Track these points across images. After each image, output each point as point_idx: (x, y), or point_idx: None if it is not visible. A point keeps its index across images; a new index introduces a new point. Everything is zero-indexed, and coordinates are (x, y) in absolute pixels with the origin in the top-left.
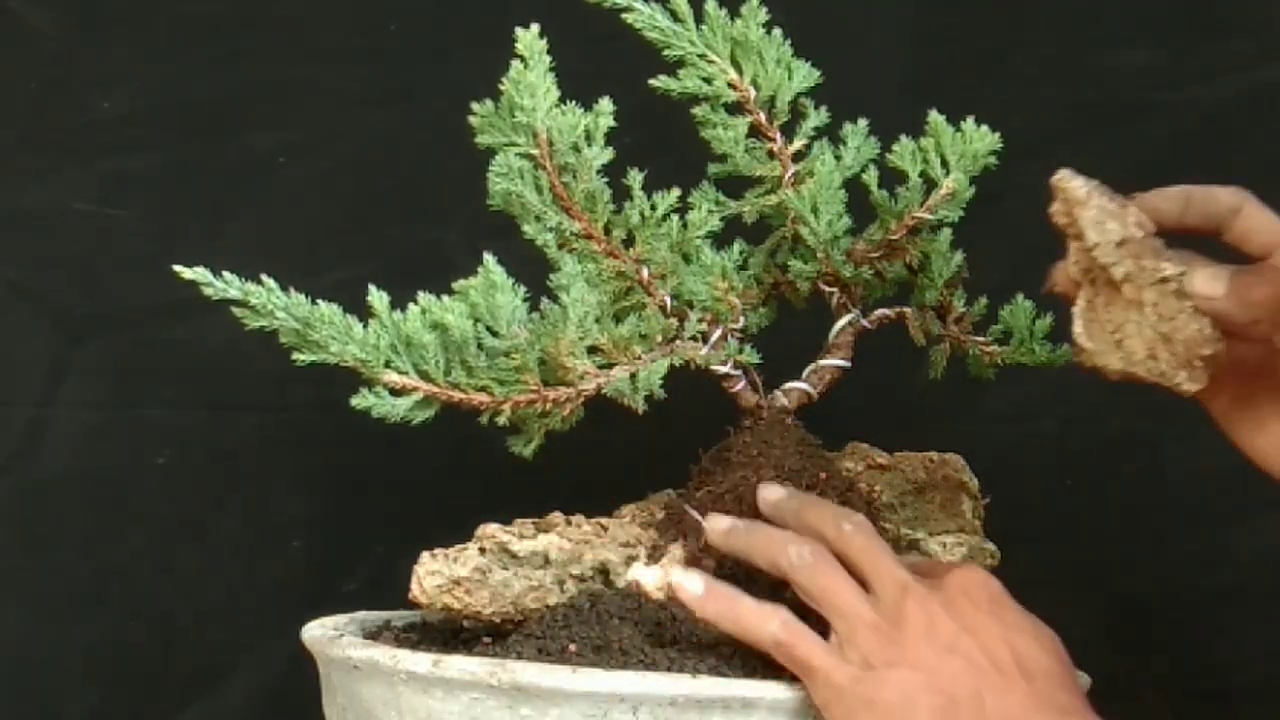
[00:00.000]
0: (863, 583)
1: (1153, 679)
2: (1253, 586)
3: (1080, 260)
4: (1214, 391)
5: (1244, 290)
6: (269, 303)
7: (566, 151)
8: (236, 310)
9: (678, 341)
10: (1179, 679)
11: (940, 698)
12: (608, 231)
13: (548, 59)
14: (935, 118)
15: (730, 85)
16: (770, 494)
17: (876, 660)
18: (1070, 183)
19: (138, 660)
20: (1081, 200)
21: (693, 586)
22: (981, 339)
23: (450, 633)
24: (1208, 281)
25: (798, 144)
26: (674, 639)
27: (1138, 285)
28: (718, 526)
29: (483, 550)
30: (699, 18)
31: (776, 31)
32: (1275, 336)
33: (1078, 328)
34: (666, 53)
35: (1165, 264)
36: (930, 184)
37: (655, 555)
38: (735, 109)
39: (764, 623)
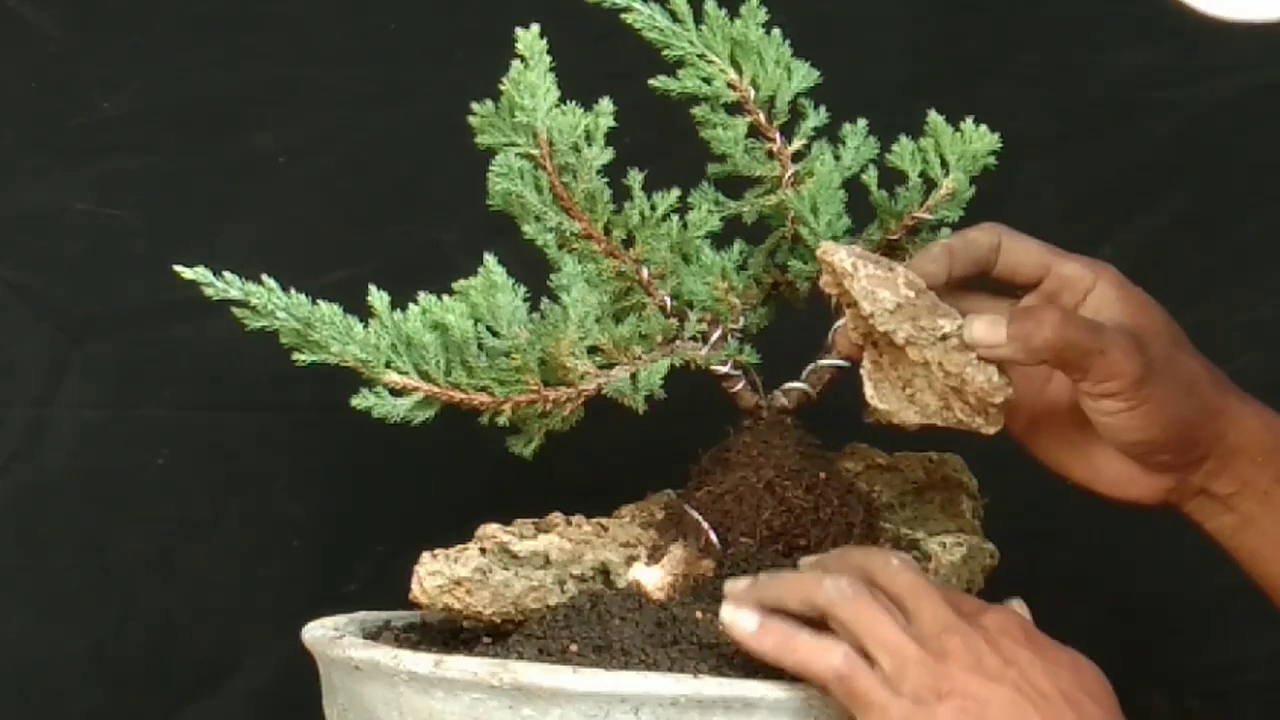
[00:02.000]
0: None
1: (1153, 679)
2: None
3: (859, 326)
4: (1030, 429)
5: (1024, 336)
6: (269, 303)
7: (566, 151)
8: (237, 310)
9: (678, 341)
10: (1180, 679)
11: None
12: (608, 232)
13: (548, 59)
14: (935, 118)
15: (730, 85)
16: (805, 559)
17: (927, 694)
18: (834, 256)
19: (138, 660)
20: (849, 272)
21: (745, 624)
22: None
23: (450, 633)
24: (987, 331)
25: (797, 144)
26: (675, 639)
27: (920, 346)
28: (736, 586)
29: (483, 550)
30: (698, 18)
31: (776, 31)
32: (1071, 373)
33: (868, 389)
34: (666, 53)
35: (943, 320)
36: (930, 184)
37: (656, 555)
38: (735, 109)
39: (825, 656)
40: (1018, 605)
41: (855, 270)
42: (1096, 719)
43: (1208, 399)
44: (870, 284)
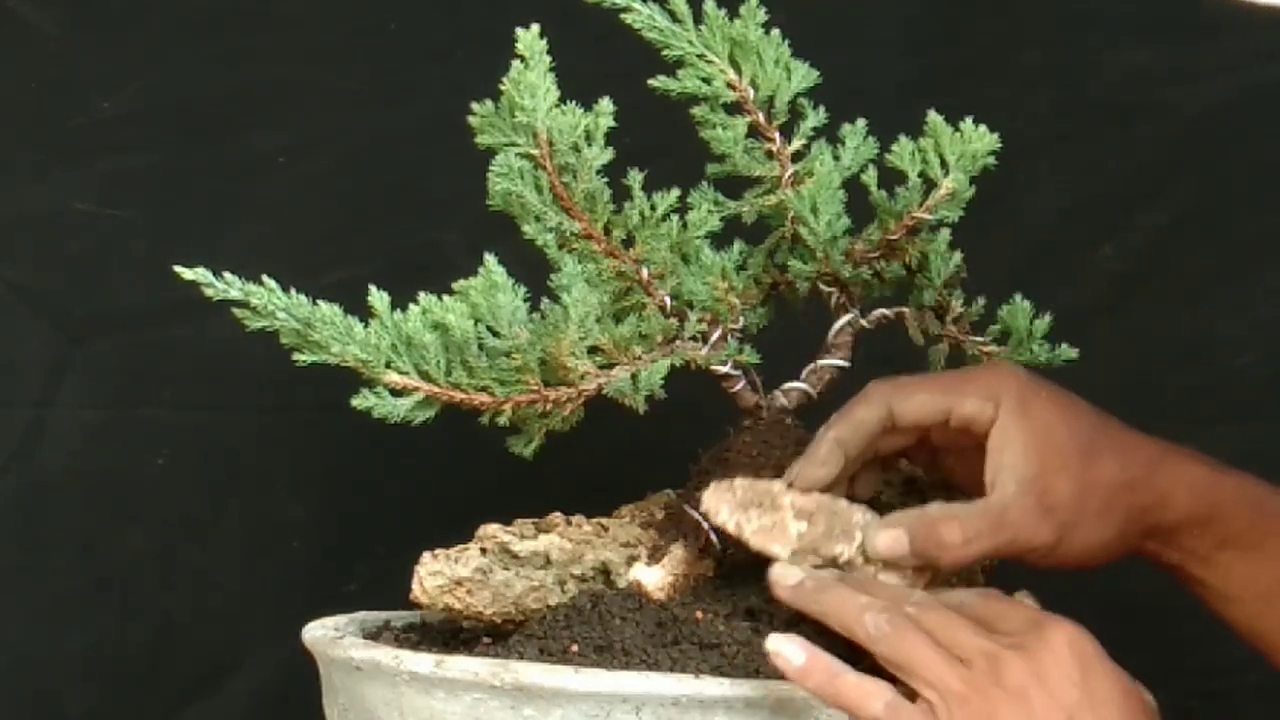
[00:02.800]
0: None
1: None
2: None
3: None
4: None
5: (929, 556)
6: (270, 303)
7: (566, 152)
8: (237, 311)
9: (678, 341)
10: (1180, 679)
11: None
12: (608, 232)
13: (548, 59)
14: (934, 118)
15: (729, 85)
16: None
17: None
18: (718, 519)
19: (138, 660)
20: (735, 534)
21: (794, 656)
22: (980, 339)
23: (450, 633)
24: (890, 546)
25: (797, 144)
26: (676, 639)
27: (837, 569)
28: (786, 581)
29: (484, 550)
30: (698, 18)
31: (775, 32)
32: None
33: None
34: (666, 53)
35: (840, 546)
36: (929, 184)
37: (656, 555)
38: (734, 109)
39: (867, 701)
40: (1024, 597)
41: (741, 530)
42: None
43: (1132, 503)
44: (760, 540)
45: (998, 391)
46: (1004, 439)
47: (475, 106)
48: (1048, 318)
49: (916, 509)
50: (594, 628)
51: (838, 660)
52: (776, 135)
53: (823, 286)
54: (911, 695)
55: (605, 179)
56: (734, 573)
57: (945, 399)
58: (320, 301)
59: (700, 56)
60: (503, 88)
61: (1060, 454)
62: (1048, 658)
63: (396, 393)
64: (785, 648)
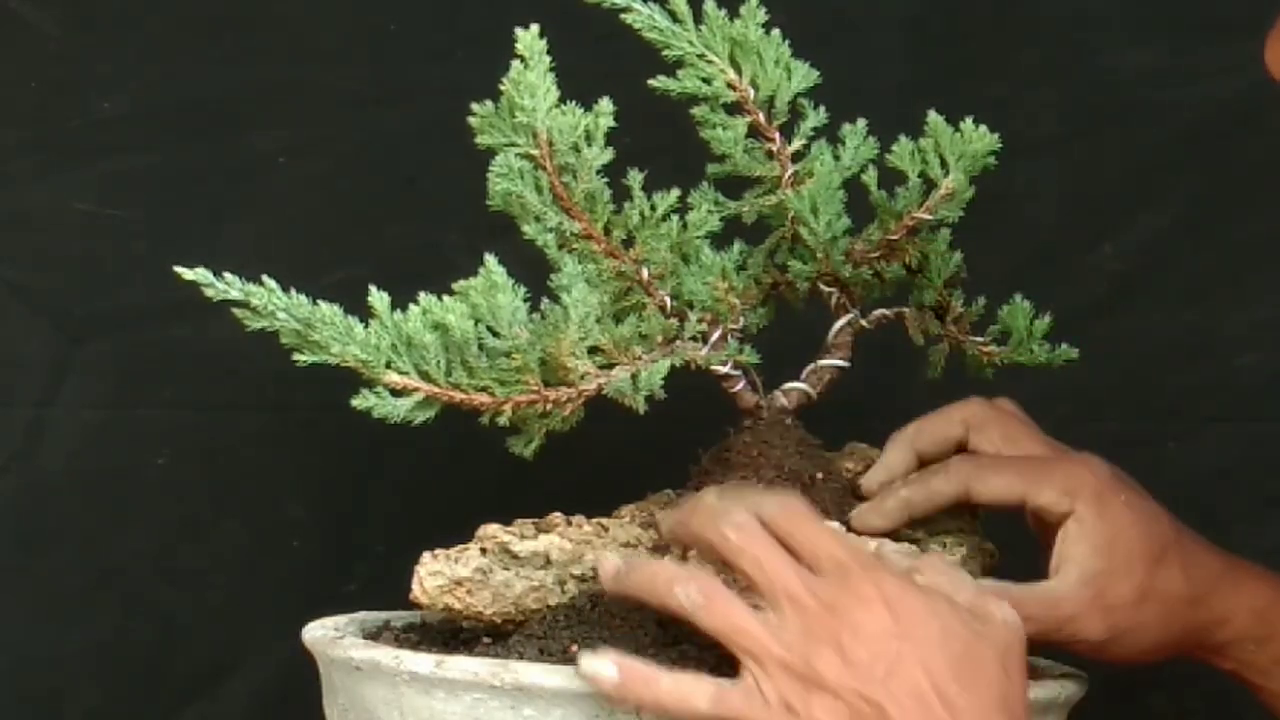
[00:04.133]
0: (759, 597)
1: (1153, 679)
2: None
3: None
4: None
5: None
6: (270, 303)
7: (566, 152)
8: (237, 311)
9: (678, 342)
10: (1180, 679)
11: None
12: (608, 232)
13: (548, 59)
14: (934, 118)
15: (729, 85)
16: (661, 522)
17: (796, 700)
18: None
19: (138, 660)
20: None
21: (606, 672)
22: (980, 339)
23: (450, 633)
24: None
25: (797, 144)
26: (676, 639)
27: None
28: (607, 571)
29: (484, 551)
30: (698, 18)
31: (775, 32)
32: None
33: None
34: (666, 53)
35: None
36: (929, 184)
37: (656, 555)
38: (734, 109)
39: (690, 701)
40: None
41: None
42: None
43: (1188, 613)
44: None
45: (1077, 486)
46: (1077, 532)
47: (475, 106)
48: (1048, 318)
49: (973, 581)
50: (594, 628)
51: (651, 666)
52: (777, 135)
53: (823, 286)
54: (737, 666)
55: (605, 179)
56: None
57: (1023, 486)
58: (320, 301)
59: (700, 56)
60: (503, 88)
61: (1127, 558)
62: (859, 609)
63: (396, 393)
64: (597, 667)
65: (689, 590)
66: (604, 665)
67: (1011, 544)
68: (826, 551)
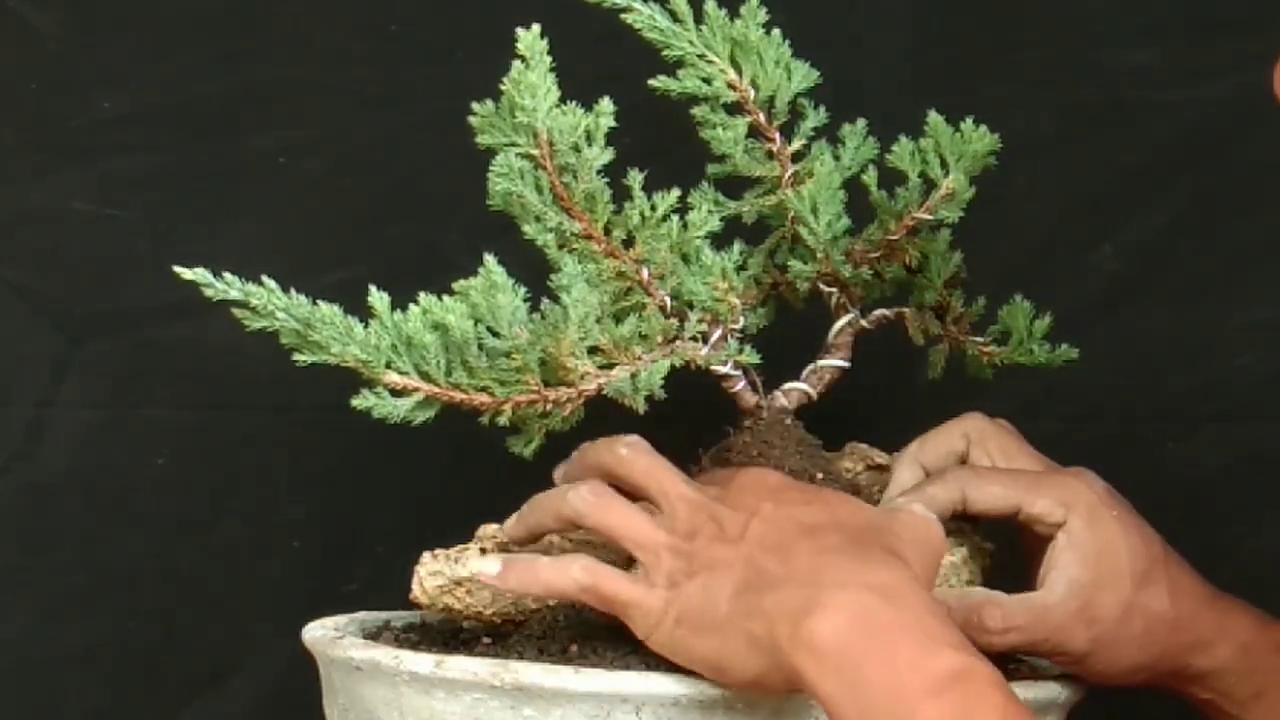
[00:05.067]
0: (652, 505)
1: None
2: (1253, 586)
3: None
4: None
5: (969, 628)
6: (270, 303)
7: (567, 152)
8: (237, 311)
9: (678, 342)
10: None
11: (736, 584)
12: (608, 232)
13: (548, 59)
14: (934, 118)
15: (729, 85)
16: (558, 469)
17: (680, 577)
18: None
19: (138, 660)
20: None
21: (489, 568)
22: (980, 339)
23: (450, 633)
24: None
25: (797, 144)
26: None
27: None
28: (489, 572)
29: (484, 550)
30: (698, 18)
31: (776, 32)
32: None
33: None
34: (666, 53)
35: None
36: (929, 184)
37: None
38: (734, 109)
39: (564, 573)
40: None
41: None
42: (835, 544)
43: (1170, 638)
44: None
45: (1071, 498)
46: (1066, 544)
47: (475, 106)
48: (1048, 318)
49: (959, 590)
50: (594, 627)
51: (533, 554)
52: (777, 135)
53: (823, 287)
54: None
55: (605, 179)
56: None
57: (1018, 495)
58: (320, 302)
59: (701, 57)
60: (503, 88)
61: (1114, 573)
62: (742, 489)
63: (396, 393)
64: (482, 564)
65: (580, 492)
66: (487, 562)
67: (1011, 544)
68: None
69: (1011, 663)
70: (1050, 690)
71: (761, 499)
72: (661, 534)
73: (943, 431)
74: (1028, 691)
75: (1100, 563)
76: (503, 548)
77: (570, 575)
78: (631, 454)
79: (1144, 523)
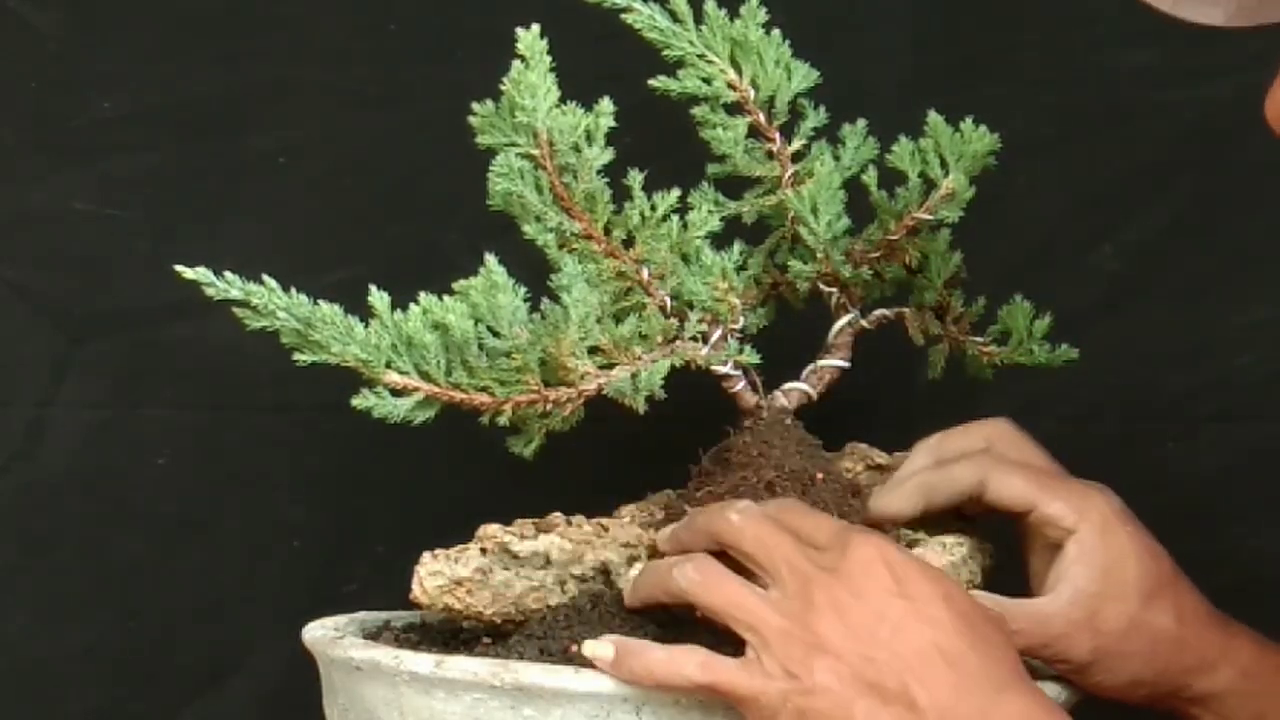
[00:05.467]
0: (762, 575)
1: None
2: (1253, 586)
3: None
4: None
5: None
6: (270, 303)
7: (567, 152)
8: (238, 311)
9: (678, 342)
10: None
11: (869, 694)
12: (608, 232)
13: (548, 59)
14: (934, 118)
15: (729, 85)
16: (661, 534)
17: (797, 667)
18: None
19: (138, 660)
20: None
21: (604, 654)
22: (980, 339)
23: (450, 633)
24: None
25: (797, 144)
26: (676, 639)
27: None
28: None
29: (484, 551)
30: (698, 18)
31: (776, 32)
32: None
33: None
34: (666, 53)
35: None
36: (929, 184)
37: (656, 556)
38: (734, 109)
39: (678, 669)
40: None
41: None
42: (974, 669)
43: (1172, 657)
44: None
45: (1087, 508)
46: (1076, 553)
47: (475, 106)
48: (1048, 318)
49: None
50: (594, 628)
51: (646, 641)
52: (777, 135)
53: (823, 287)
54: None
55: (605, 179)
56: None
57: (1037, 493)
58: (320, 301)
59: (701, 57)
60: (503, 88)
61: (1122, 586)
62: (859, 572)
63: (397, 393)
64: (596, 649)
65: (685, 570)
66: (601, 646)
67: (1011, 545)
68: (826, 528)
69: None
70: (1050, 691)
71: (887, 592)
72: (773, 615)
73: (966, 431)
74: None
75: (1109, 575)
76: (503, 547)
77: (684, 672)
78: (742, 521)
79: (1155, 542)
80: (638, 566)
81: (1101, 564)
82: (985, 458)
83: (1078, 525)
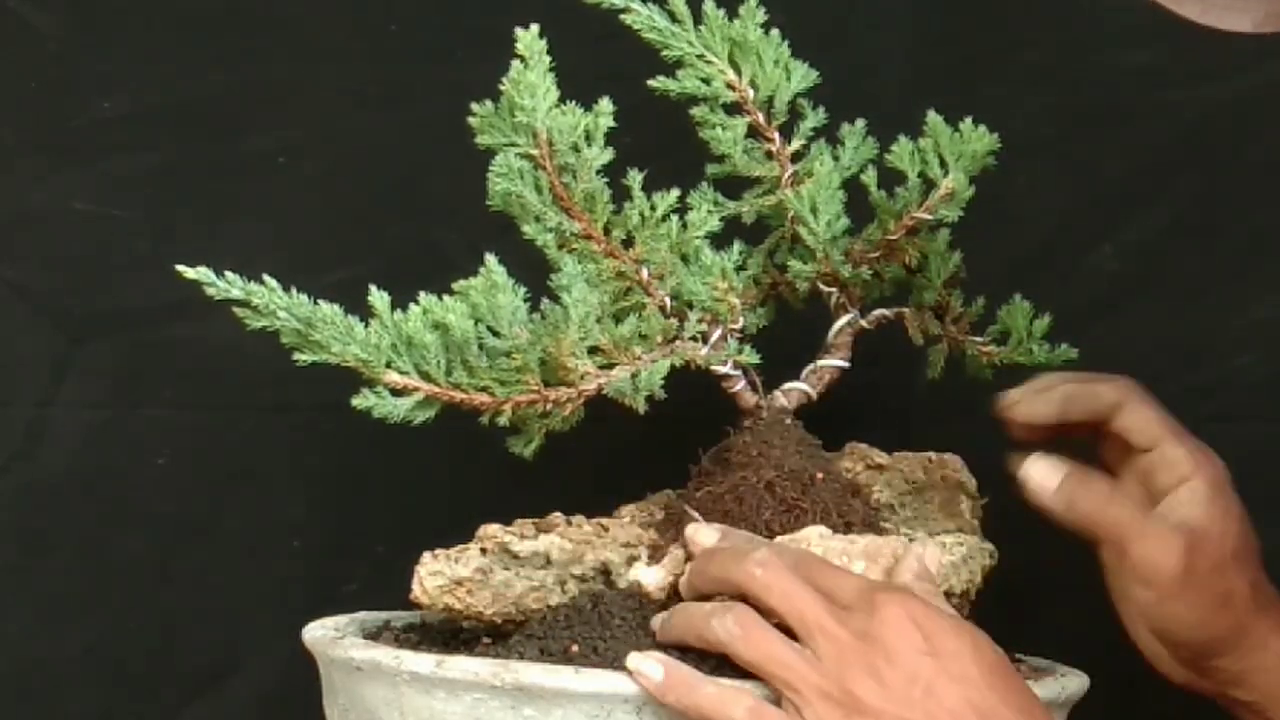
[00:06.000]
0: (789, 626)
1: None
2: None
3: None
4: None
5: (1070, 496)
6: (271, 303)
7: (566, 152)
8: (238, 310)
9: (678, 342)
10: None
11: None
12: (607, 232)
13: (548, 59)
14: (933, 118)
15: (728, 86)
16: (705, 539)
17: None
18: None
19: (138, 660)
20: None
21: (652, 673)
22: (979, 339)
23: (450, 633)
24: (1044, 474)
25: (796, 144)
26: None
27: None
28: (653, 625)
29: (484, 550)
30: (697, 18)
31: (775, 32)
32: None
33: None
34: (665, 53)
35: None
36: (929, 184)
37: (656, 556)
38: (734, 109)
39: (727, 710)
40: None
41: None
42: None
43: (1240, 618)
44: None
45: (1205, 463)
46: (1191, 496)
47: (475, 106)
48: (1048, 318)
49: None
50: (594, 628)
51: (698, 673)
52: (776, 135)
53: (823, 287)
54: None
55: (605, 179)
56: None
57: (1165, 433)
58: (321, 301)
59: (700, 57)
60: (503, 88)
61: (1221, 537)
62: (889, 634)
63: (397, 393)
64: (643, 665)
65: (725, 622)
66: (650, 665)
67: (1011, 545)
68: (848, 584)
69: (1012, 661)
70: (1051, 689)
71: (919, 652)
72: (810, 674)
73: (1092, 386)
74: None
75: (1212, 522)
76: (503, 547)
77: (732, 715)
78: (766, 576)
79: (1251, 530)
80: (638, 566)
81: (1207, 513)
82: (1126, 384)
83: (1193, 474)
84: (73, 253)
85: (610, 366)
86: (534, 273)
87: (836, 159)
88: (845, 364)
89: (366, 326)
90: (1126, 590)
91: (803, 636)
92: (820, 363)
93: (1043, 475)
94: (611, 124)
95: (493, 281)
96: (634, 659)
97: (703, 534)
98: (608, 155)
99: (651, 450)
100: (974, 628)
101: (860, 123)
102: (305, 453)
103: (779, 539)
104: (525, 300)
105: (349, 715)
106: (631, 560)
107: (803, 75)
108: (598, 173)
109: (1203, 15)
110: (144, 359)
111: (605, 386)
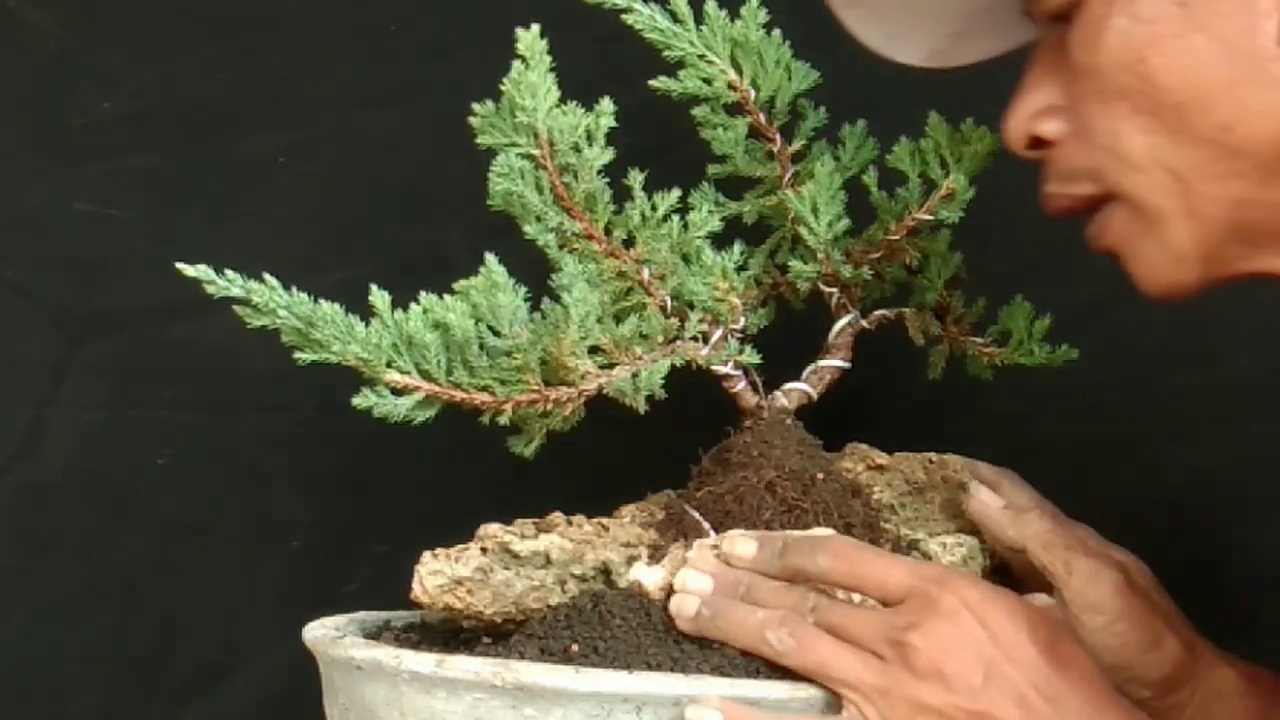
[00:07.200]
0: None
1: None
2: (1253, 586)
3: None
4: None
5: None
6: (271, 301)
7: (567, 152)
8: (238, 309)
9: (678, 342)
10: None
11: None
12: (608, 232)
13: (548, 59)
14: (934, 118)
15: (730, 86)
16: (744, 550)
17: None
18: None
19: (138, 660)
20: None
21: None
22: (980, 339)
23: (450, 633)
24: (984, 500)
25: (797, 145)
26: (677, 638)
27: None
28: (684, 613)
29: (484, 550)
30: (699, 19)
31: (776, 32)
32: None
33: None
34: (666, 54)
35: None
36: (930, 185)
37: (656, 555)
38: (735, 110)
39: None
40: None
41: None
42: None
43: (1189, 639)
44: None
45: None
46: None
47: (475, 106)
48: (1048, 318)
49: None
50: (595, 627)
51: (749, 707)
52: (777, 136)
53: (823, 287)
54: (838, 701)
55: (606, 179)
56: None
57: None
58: (321, 300)
59: (701, 57)
60: (503, 88)
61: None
62: (946, 627)
63: (397, 392)
64: (704, 716)
65: (780, 635)
66: (710, 714)
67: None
68: (895, 580)
69: None
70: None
71: (977, 643)
72: (868, 674)
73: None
74: None
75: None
76: (504, 547)
77: None
78: (833, 565)
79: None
80: (638, 566)
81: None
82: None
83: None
84: (73, 253)
85: (611, 366)
86: (534, 273)
87: (837, 159)
88: (846, 364)
89: (367, 326)
90: (1082, 630)
91: (866, 645)
92: (821, 363)
93: (984, 503)
94: (613, 124)
95: (493, 281)
96: (692, 712)
97: (740, 545)
98: (609, 155)
99: (651, 450)
100: (1027, 604)
101: (861, 123)
102: (305, 453)
103: None
104: (526, 300)
105: (349, 715)
106: (632, 560)
107: (804, 76)
108: (599, 173)
109: (883, 45)
110: (144, 359)
111: (606, 386)
